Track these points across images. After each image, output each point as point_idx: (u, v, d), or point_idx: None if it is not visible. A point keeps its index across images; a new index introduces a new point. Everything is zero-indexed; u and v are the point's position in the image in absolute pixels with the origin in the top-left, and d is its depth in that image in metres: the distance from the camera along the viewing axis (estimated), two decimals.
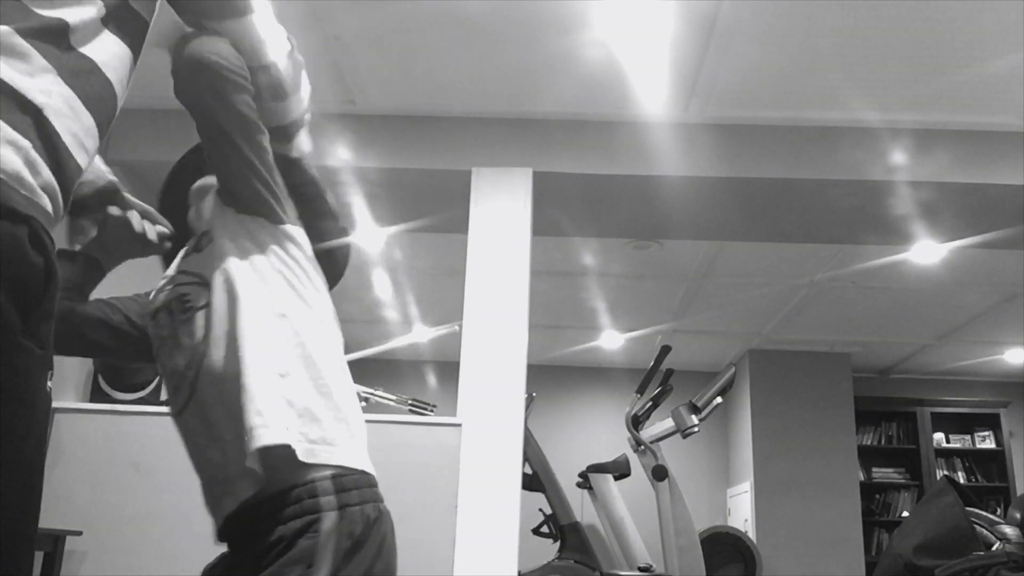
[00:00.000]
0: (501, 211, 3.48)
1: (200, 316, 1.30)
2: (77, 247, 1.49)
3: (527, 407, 3.64)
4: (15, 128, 0.88)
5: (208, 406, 1.28)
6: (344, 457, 1.23)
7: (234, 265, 1.29)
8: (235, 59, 1.29)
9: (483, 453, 3.14)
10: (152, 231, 1.47)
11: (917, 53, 3.11)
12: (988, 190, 3.56)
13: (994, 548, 2.83)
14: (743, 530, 6.49)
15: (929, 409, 7.12)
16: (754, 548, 6.05)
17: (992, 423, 7.16)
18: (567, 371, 7.32)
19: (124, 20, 1.06)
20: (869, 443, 7.09)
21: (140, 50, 1.10)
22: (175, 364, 1.33)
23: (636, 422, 5.01)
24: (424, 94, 3.50)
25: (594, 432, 6.94)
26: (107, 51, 1.03)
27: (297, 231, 1.36)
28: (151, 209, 1.51)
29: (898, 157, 3.53)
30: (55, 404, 3.09)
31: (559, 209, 3.85)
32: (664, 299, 5.80)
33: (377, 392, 3.78)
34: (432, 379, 6.94)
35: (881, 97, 3.39)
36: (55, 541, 2.75)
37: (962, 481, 6.77)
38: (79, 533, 2.83)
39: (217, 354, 1.26)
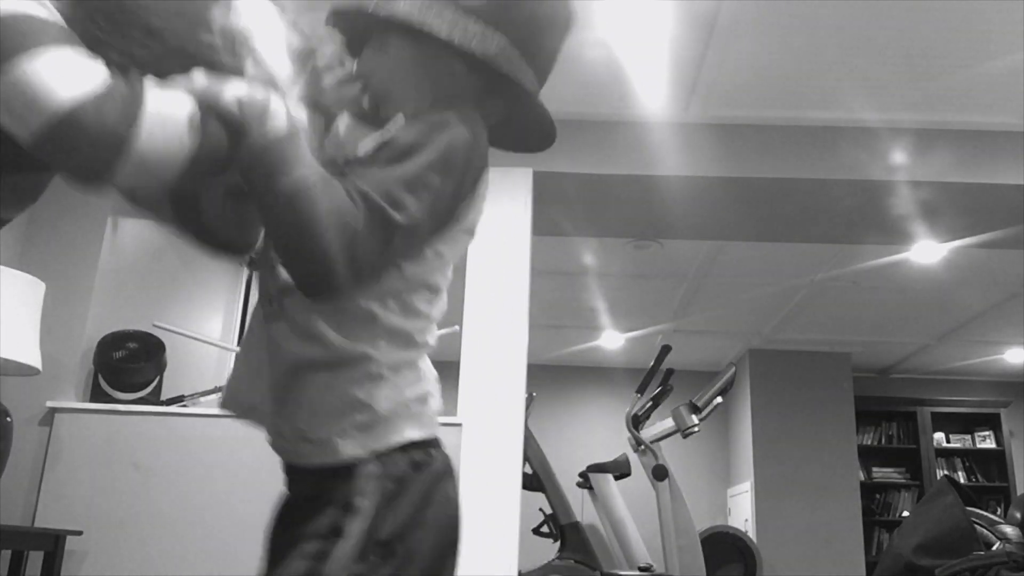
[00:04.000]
0: (501, 211, 3.48)
1: None
2: None
3: (527, 407, 3.64)
4: None
5: None
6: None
7: None
8: None
9: (483, 453, 3.14)
10: None
11: (917, 53, 3.11)
12: (988, 190, 3.56)
13: (994, 548, 2.84)
14: (743, 530, 6.49)
15: (929, 409, 7.12)
16: (754, 548, 6.05)
17: (992, 423, 7.16)
18: (567, 371, 7.32)
19: None
20: (869, 443, 7.09)
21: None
22: None
23: (636, 422, 5.01)
24: None
25: (594, 432, 6.95)
26: None
27: None
28: None
29: (898, 157, 3.53)
30: (55, 404, 3.09)
31: (559, 209, 3.85)
32: (664, 299, 5.80)
33: None
34: None
35: (881, 97, 3.39)
36: (55, 541, 2.75)
37: (962, 481, 6.77)
38: (79, 533, 2.83)
39: None
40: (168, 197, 1.11)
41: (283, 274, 1.04)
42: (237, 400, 1.12)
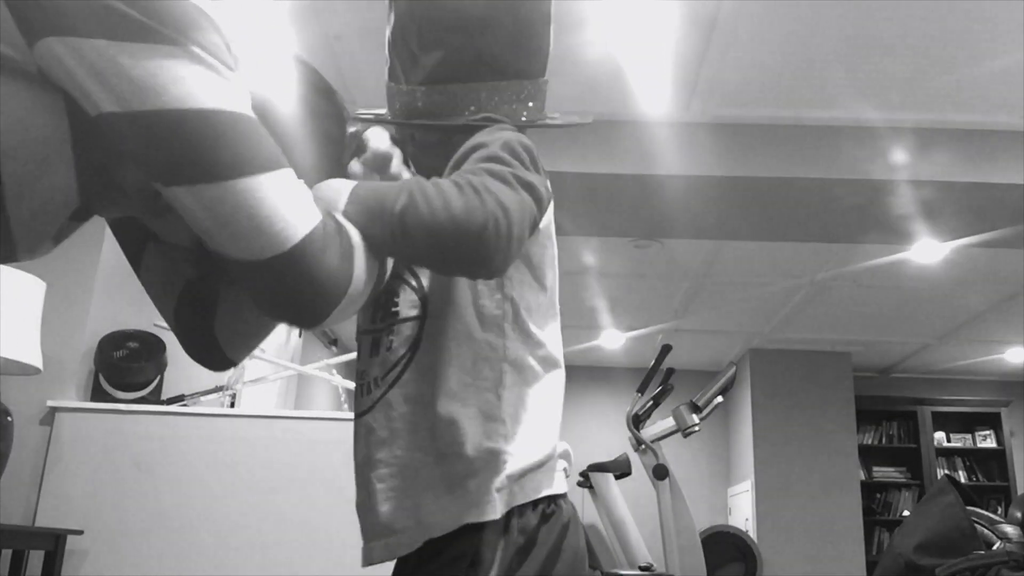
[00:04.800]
0: None
1: None
2: None
3: None
4: None
5: None
6: None
7: None
8: None
9: None
10: None
11: (917, 53, 3.11)
12: (989, 189, 3.56)
13: (995, 547, 2.84)
14: (744, 529, 6.49)
15: (930, 408, 7.12)
16: (755, 547, 6.06)
17: (993, 422, 7.16)
18: (567, 371, 7.26)
19: None
20: (870, 442, 7.09)
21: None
22: None
23: (637, 421, 5.01)
24: None
25: (595, 431, 6.95)
26: None
27: None
28: None
29: (899, 156, 3.53)
30: (56, 403, 3.09)
31: (559, 208, 3.83)
32: (665, 298, 5.80)
33: None
34: None
35: (881, 97, 3.39)
36: (55, 541, 2.75)
37: (963, 480, 6.78)
38: (79, 533, 2.83)
39: None
40: (180, 300, 1.06)
41: (391, 355, 1.00)
42: (371, 525, 1.01)
